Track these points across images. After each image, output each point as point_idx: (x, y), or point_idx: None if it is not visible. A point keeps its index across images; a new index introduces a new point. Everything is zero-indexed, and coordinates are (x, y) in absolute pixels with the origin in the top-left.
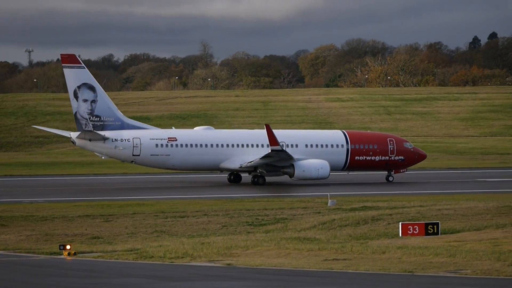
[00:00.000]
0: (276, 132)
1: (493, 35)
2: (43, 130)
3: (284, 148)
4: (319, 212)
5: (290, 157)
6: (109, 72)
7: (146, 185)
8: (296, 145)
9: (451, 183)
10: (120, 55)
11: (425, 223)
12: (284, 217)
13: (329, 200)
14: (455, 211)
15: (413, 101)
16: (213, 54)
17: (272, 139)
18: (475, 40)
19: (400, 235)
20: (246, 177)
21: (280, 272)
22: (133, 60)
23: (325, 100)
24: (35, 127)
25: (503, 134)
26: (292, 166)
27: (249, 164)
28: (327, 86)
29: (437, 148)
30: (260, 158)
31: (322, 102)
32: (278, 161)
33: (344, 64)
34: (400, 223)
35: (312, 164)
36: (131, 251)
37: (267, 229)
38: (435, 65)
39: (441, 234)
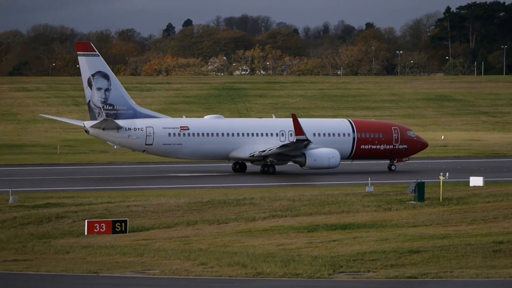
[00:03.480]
0: (286, 120)
1: (188, 22)
2: (52, 119)
3: (307, 137)
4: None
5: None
6: None
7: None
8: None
9: (141, 178)
10: None
11: (113, 221)
12: None
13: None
14: (144, 207)
15: None
16: None
17: (298, 129)
18: (170, 27)
19: (86, 233)
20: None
21: None
22: None
23: (9, 90)
24: (43, 116)
25: None
26: (304, 155)
27: (264, 153)
28: (11, 74)
29: None
30: (278, 147)
31: (5, 91)
32: (292, 150)
33: (30, 51)
34: (86, 220)
35: (323, 153)
36: None
37: None
38: (127, 53)
39: (129, 232)
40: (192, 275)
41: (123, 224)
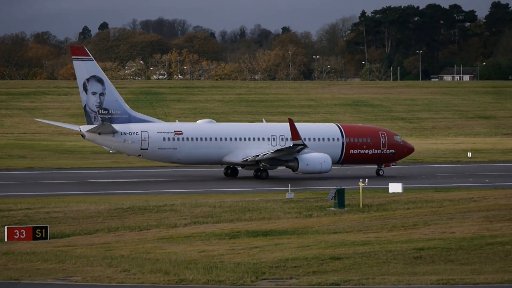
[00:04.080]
0: (277, 125)
1: (104, 26)
2: (46, 123)
3: (303, 142)
4: None
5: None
6: None
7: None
8: None
9: (61, 184)
10: None
11: (33, 227)
12: None
13: None
14: (65, 214)
15: (20, 95)
16: None
17: (295, 134)
18: (85, 30)
19: (6, 239)
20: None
21: None
22: None
23: None
24: (36, 120)
25: None
26: (296, 160)
27: (258, 158)
28: None
29: (46, 146)
30: (273, 152)
31: None
32: (285, 155)
33: None
34: (6, 227)
35: (315, 158)
36: None
37: None
38: (43, 56)
39: (50, 238)
40: (115, 282)
41: (43, 230)
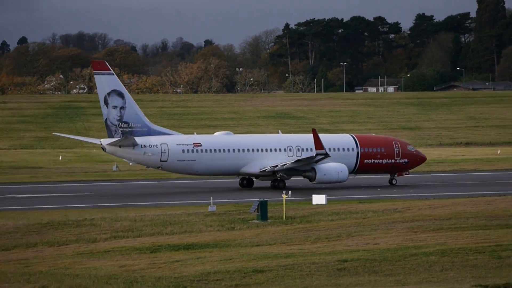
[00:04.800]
0: (293, 136)
1: (23, 40)
2: (66, 137)
3: (326, 152)
4: None
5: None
6: None
7: None
8: (311, 149)
9: None
10: None
11: None
12: None
13: None
14: None
15: None
16: None
17: (318, 143)
18: (4, 44)
19: None
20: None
21: None
22: None
23: None
24: (55, 134)
25: (34, 147)
26: (314, 170)
27: (277, 168)
28: None
29: None
30: (293, 162)
31: None
32: (304, 165)
33: None
34: None
35: (332, 168)
36: None
37: None
38: None
39: None
40: None
41: None
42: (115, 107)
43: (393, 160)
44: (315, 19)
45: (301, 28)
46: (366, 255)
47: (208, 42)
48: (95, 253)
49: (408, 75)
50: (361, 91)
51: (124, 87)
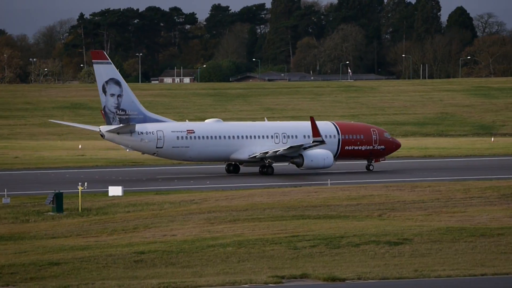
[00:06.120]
0: (279, 123)
1: None
2: (62, 124)
3: (323, 139)
4: None
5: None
6: None
7: None
8: (296, 136)
9: None
10: None
11: None
12: None
13: None
14: None
15: None
16: None
17: (315, 131)
18: None
19: None
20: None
21: None
22: None
23: None
24: (52, 121)
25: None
26: (301, 156)
27: (268, 155)
28: None
29: None
30: (285, 149)
31: None
32: (293, 151)
33: None
34: None
35: (319, 154)
36: None
37: None
38: None
39: None
40: None
41: None
42: (112, 94)
43: (371, 147)
44: (111, 9)
45: (96, 18)
46: (163, 247)
47: (1, 32)
48: None
49: (204, 66)
50: (157, 82)
51: (121, 75)
